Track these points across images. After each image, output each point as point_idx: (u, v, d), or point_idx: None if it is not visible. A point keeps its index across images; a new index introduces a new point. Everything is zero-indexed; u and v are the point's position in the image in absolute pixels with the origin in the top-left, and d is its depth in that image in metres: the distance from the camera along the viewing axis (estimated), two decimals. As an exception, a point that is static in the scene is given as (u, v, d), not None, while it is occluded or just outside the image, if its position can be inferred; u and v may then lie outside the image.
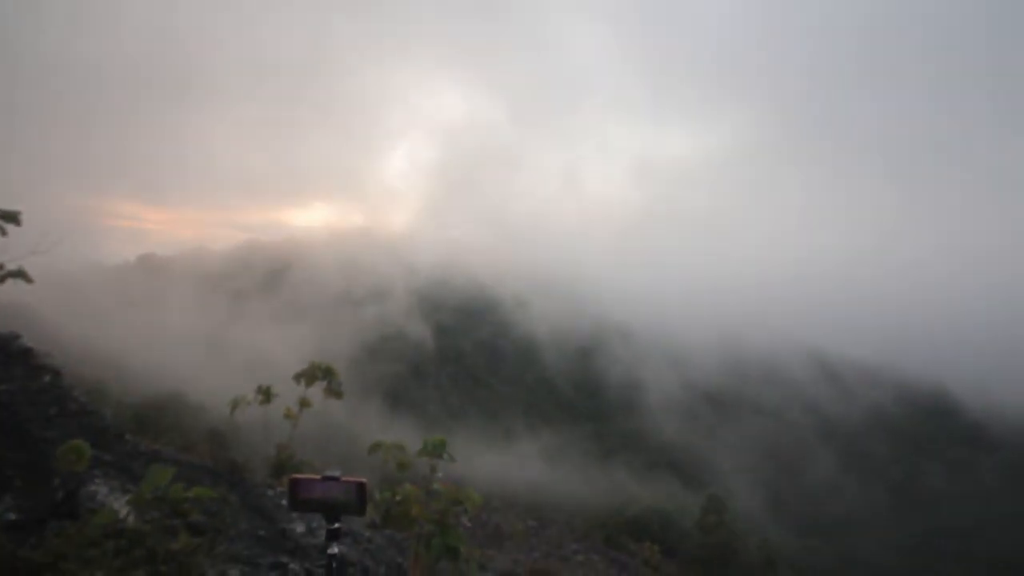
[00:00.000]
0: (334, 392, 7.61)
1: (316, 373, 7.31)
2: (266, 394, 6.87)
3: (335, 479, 2.29)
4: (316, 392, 7.62)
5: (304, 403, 7.28)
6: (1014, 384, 57.25)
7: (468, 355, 57.42)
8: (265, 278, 65.63)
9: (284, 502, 5.20)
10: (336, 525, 2.37)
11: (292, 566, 3.52)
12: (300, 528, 4.38)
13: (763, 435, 52.50)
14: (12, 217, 3.68)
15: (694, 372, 60.68)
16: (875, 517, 42.98)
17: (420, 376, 52.90)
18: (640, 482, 39.17)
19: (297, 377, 6.91)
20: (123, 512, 2.41)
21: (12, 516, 2.67)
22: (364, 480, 2.30)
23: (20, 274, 3.69)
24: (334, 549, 2.36)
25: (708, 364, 62.13)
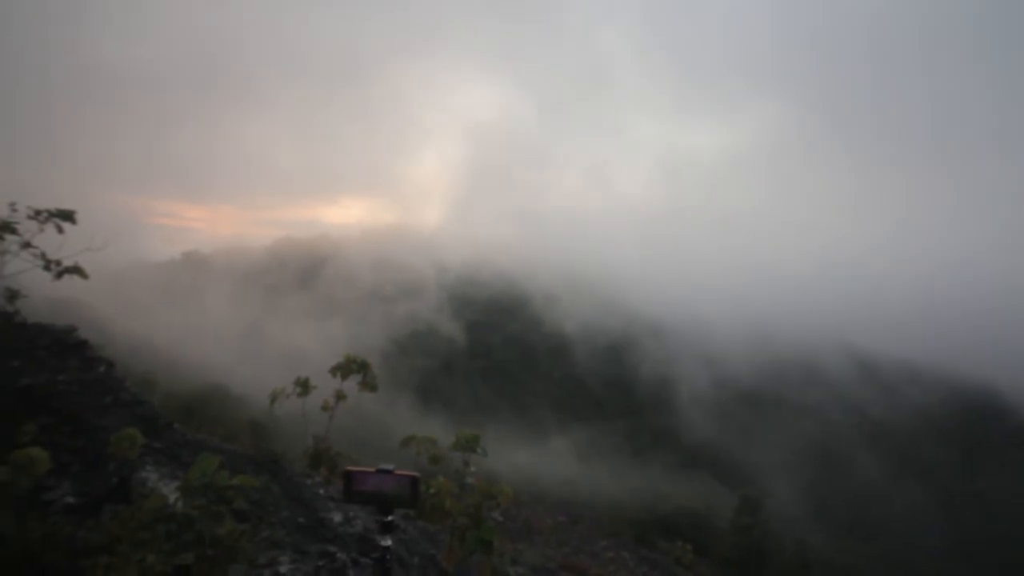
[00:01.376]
0: (368, 386, 7.74)
1: (351, 367, 7.46)
2: (304, 386, 7.05)
3: (389, 472, 2.31)
4: (351, 385, 7.77)
5: (340, 396, 7.43)
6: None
7: (498, 350, 57.66)
8: (301, 274, 67.31)
9: (322, 491, 5.31)
10: (389, 518, 2.37)
11: (339, 555, 3.59)
12: (337, 517, 4.47)
13: (801, 435, 50.97)
14: (68, 216, 3.86)
15: (728, 370, 59.29)
16: (921, 521, 41.25)
17: (451, 371, 53.40)
18: (672, 480, 38.61)
19: (333, 370, 7.07)
20: (172, 498, 2.50)
21: (70, 499, 2.81)
22: (417, 475, 2.31)
23: (76, 270, 3.87)
24: (387, 541, 2.38)
25: (742, 362, 60.59)
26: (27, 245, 3.71)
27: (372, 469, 2.34)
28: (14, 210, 3.68)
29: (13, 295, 3.82)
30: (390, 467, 2.33)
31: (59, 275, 3.80)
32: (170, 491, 2.89)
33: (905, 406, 56.22)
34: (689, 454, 46.55)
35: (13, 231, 3.66)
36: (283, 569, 3.13)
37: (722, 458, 45.81)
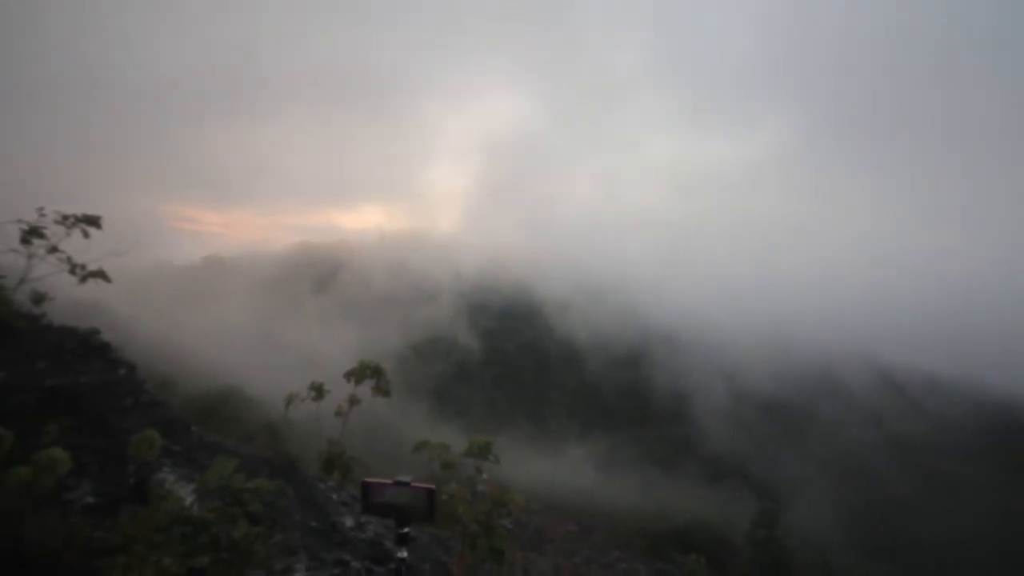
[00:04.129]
0: (382, 391, 7.78)
1: (365, 372, 7.51)
2: (318, 391, 7.13)
3: (406, 484, 2.29)
4: (365, 390, 7.82)
5: (353, 400, 7.48)
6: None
7: (513, 357, 57.55)
8: (318, 279, 68.04)
9: (335, 496, 5.33)
10: (405, 530, 2.35)
11: (354, 564, 3.59)
12: (349, 522, 4.48)
13: (821, 448, 49.89)
14: (94, 221, 3.95)
15: (745, 380, 58.32)
16: (946, 538, 40.00)
17: (465, 377, 53.40)
18: (688, 492, 38.02)
19: (347, 375, 7.13)
20: (189, 500, 2.53)
21: (89, 499, 2.86)
22: (434, 487, 2.29)
23: (100, 274, 3.95)
24: (403, 553, 2.35)
25: (760, 372, 59.57)
26: (54, 249, 3.80)
27: (389, 481, 2.32)
28: (42, 215, 3.78)
29: (40, 298, 3.92)
30: (407, 479, 2.31)
31: (84, 279, 3.88)
32: (187, 493, 2.93)
33: (928, 419, 54.75)
34: (706, 466, 45.82)
35: (41, 236, 3.76)
36: None
37: (740, 470, 45.01)
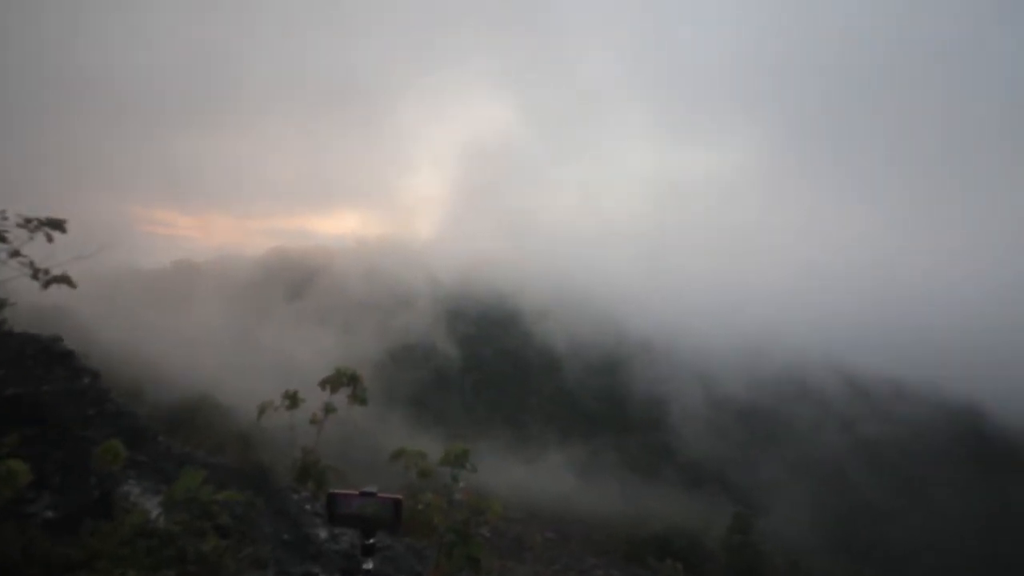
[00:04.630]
0: (358, 399, 7.70)
1: (341, 379, 7.43)
2: (292, 399, 7.01)
3: (372, 495, 2.32)
4: (341, 398, 7.72)
5: (329, 409, 7.38)
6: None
7: (491, 364, 57.45)
8: (293, 285, 67.03)
9: (308, 507, 5.25)
10: (371, 540, 2.38)
11: None
12: (323, 534, 4.42)
13: (795, 453, 50.93)
14: (58, 225, 3.85)
15: (722, 387, 59.27)
16: (915, 539, 41.21)
17: (443, 384, 53.11)
18: (665, 498, 38.37)
19: (323, 383, 7.04)
20: (155, 512, 2.47)
21: (50, 513, 2.76)
22: (400, 497, 2.33)
23: (64, 279, 3.84)
24: (368, 564, 2.38)
25: (735, 379, 60.62)
26: (16, 254, 3.69)
27: (356, 492, 2.35)
28: (4, 218, 3.66)
29: (1, 304, 3.79)
30: (373, 489, 2.34)
31: (47, 284, 3.77)
32: (153, 506, 2.85)
33: (896, 424, 56.44)
34: (684, 472, 46.35)
35: (2, 239, 3.65)
36: (266, 587, 3.09)
37: (718, 476, 45.63)
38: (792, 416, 56.59)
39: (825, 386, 61.07)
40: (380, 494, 2.32)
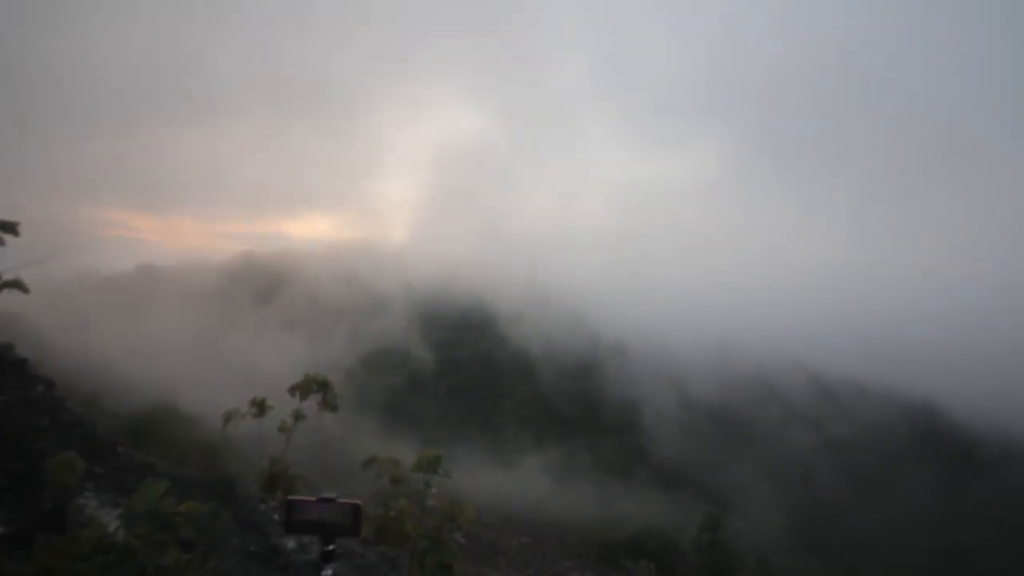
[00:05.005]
0: (329, 405, 7.58)
1: (311, 386, 7.31)
2: (260, 407, 6.86)
3: (331, 500, 2.30)
4: (311, 405, 7.60)
5: (298, 416, 7.24)
6: (1007, 401, 57.44)
7: (466, 368, 57.21)
8: (262, 290, 65.55)
9: (276, 517, 5.13)
10: (330, 547, 2.36)
11: None
12: (292, 544, 4.33)
13: (765, 453, 52.21)
14: (10, 228, 3.68)
15: (693, 389, 60.40)
16: (877, 535, 42.66)
17: (417, 389, 52.66)
18: (639, 500, 38.81)
19: (292, 390, 6.91)
20: (113, 526, 2.38)
21: (1, 529, 2.64)
22: (359, 502, 2.31)
23: (16, 284, 3.68)
24: (328, 571, 2.35)
25: (706, 381, 61.87)
26: (-37, 258, 3.52)
27: (314, 498, 2.32)
28: (-50, 221, 3.49)
29: (-55, 310, 3.61)
30: (333, 495, 2.32)
31: (-2, 289, 3.60)
32: (111, 519, 2.75)
33: (858, 424, 58.47)
34: (658, 473, 46.98)
35: (-52, 243, 3.47)
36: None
37: (690, 477, 46.39)
38: (761, 417, 58.04)
39: (792, 387, 62.90)
40: (339, 499, 2.30)
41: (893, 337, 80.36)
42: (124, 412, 19.23)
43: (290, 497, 2.34)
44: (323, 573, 2.33)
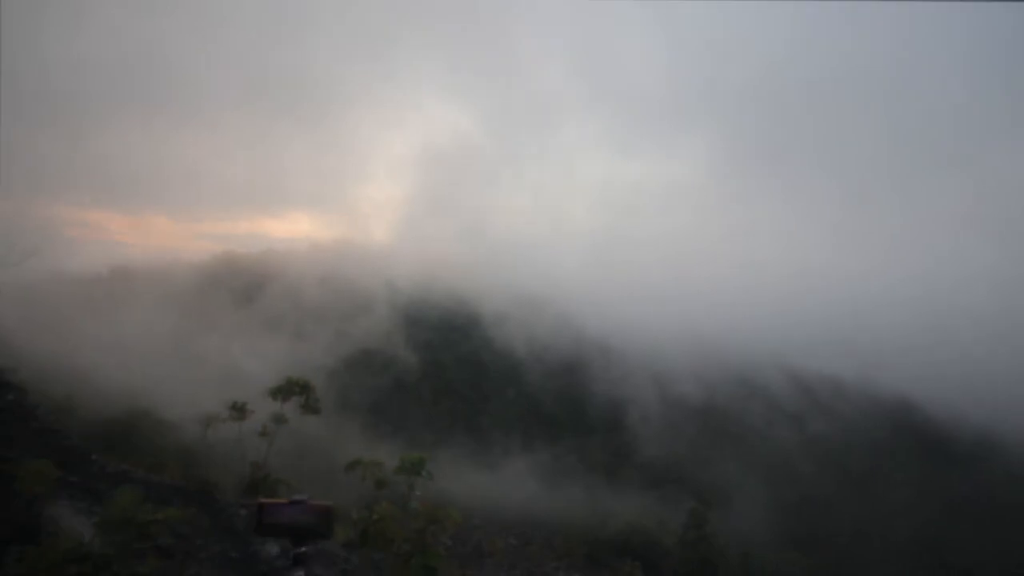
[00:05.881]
0: (310, 408, 7.51)
1: (292, 389, 7.22)
2: (240, 411, 6.75)
3: (302, 503, 2.30)
4: (293, 408, 7.50)
5: (280, 419, 7.16)
6: (978, 397, 59.32)
7: (451, 370, 56.99)
8: (242, 291, 64.56)
9: (246, 521, 5.08)
10: (302, 549, 2.36)
11: None
12: (274, 549, 4.29)
13: (748, 450, 52.95)
14: (-22, 230, 3.59)
15: (677, 388, 61.02)
16: (857, 529, 43.59)
17: (402, 392, 52.32)
18: (626, 499, 39.07)
19: (273, 393, 6.82)
20: (88, 535, 2.35)
21: (-31, 541, 2.58)
22: (330, 504, 2.32)
23: (-15, 288, 3.59)
24: (299, 573, 2.34)
25: (689, 380, 62.59)
26: (-73, 261, 3.42)
27: (286, 501, 2.32)
28: (-87, 223, 3.39)
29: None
30: (303, 497, 2.33)
31: (-36, 294, 3.52)
32: (86, 528, 2.70)
33: (836, 420, 59.67)
34: (644, 472, 47.33)
35: (-89, 246, 3.38)
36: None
37: (676, 475, 46.83)
38: (744, 414, 58.87)
39: (773, 385, 63.93)
40: (310, 502, 2.30)
41: (872, 335, 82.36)
42: (99, 418, 18.78)
43: (261, 500, 2.33)
44: (294, 574, 2.32)
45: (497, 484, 37.48)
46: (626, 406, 57.34)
